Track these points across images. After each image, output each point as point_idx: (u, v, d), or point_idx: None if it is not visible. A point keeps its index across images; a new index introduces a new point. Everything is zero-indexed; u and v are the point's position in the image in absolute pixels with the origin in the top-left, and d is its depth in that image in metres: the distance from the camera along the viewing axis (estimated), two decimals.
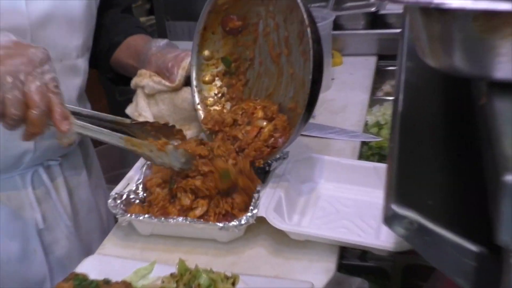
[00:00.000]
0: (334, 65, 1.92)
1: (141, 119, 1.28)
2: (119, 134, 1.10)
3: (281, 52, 1.17)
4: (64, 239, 1.34)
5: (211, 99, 1.30)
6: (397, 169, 0.49)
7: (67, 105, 0.96)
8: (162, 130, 1.22)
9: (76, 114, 1.08)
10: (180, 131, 1.24)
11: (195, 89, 1.29)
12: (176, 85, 1.26)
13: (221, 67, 1.30)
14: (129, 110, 1.32)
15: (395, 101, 0.62)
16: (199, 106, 1.29)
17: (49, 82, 0.92)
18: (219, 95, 1.31)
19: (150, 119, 1.28)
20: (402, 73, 0.66)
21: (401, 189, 0.47)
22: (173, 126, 1.24)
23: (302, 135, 1.50)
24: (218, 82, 1.31)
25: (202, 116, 1.28)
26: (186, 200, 1.12)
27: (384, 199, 0.49)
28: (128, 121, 1.20)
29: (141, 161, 1.29)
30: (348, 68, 1.95)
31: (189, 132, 1.30)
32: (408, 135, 0.55)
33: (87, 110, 1.16)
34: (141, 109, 1.30)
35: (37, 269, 1.29)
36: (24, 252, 1.27)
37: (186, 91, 1.29)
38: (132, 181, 1.23)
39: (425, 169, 0.52)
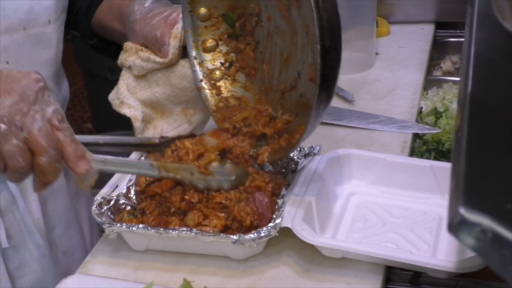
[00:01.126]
0: (379, 36, 1.92)
1: (123, 109, 1.28)
2: (148, 162, 1.13)
3: (289, 4, 1.14)
4: (35, 262, 1.34)
5: (217, 72, 1.30)
6: (466, 164, 0.50)
7: (79, 136, 0.99)
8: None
9: (91, 145, 1.10)
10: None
11: (194, 61, 1.28)
12: (169, 60, 1.25)
13: (224, 27, 1.29)
14: (110, 96, 1.32)
15: (463, 80, 0.62)
16: (203, 84, 1.29)
17: (52, 117, 0.94)
18: (227, 64, 1.30)
19: (137, 108, 1.28)
20: (471, 44, 0.67)
21: (471, 189, 0.48)
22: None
23: (336, 125, 1.51)
24: (223, 48, 1.30)
25: (209, 97, 1.28)
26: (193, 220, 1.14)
27: (449, 202, 0.50)
28: (156, 140, 1.20)
29: (132, 158, 1.30)
30: (397, 39, 1.95)
31: (195, 118, 1.31)
32: (480, 123, 0.56)
33: (104, 137, 1.17)
34: (123, 96, 1.30)
35: None
36: None
37: (184, 65, 1.28)
38: (122, 182, 1.25)
39: (501, 164, 0.52)
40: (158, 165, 1.13)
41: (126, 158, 1.08)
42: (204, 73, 1.29)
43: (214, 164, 1.16)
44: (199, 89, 1.29)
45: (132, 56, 1.27)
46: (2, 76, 0.93)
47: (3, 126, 0.90)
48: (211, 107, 1.29)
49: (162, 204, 1.17)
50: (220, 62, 1.30)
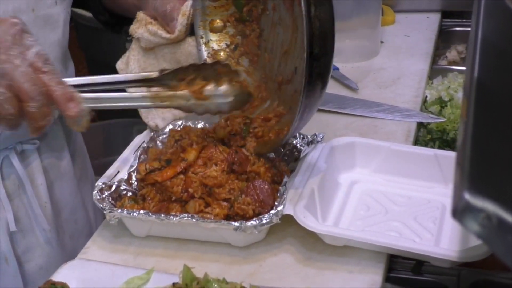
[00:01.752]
0: (384, 24, 1.91)
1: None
2: (141, 94, 1.08)
3: None
4: (41, 246, 1.34)
5: (222, 53, 1.30)
6: (471, 149, 0.50)
7: (75, 78, 0.97)
8: (203, 71, 1.16)
9: (89, 86, 1.07)
10: (227, 67, 1.16)
11: (200, 40, 1.29)
12: (175, 37, 1.26)
13: (232, 10, 1.29)
14: (118, 65, 1.32)
15: (470, 66, 0.62)
16: None
17: (35, 60, 0.92)
18: (232, 46, 1.31)
19: None
20: (478, 30, 0.66)
21: (476, 174, 0.47)
22: (216, 63, 1.17)
23: (340, 113, 1.51)
24: (230, 30, 1.31)
25: None
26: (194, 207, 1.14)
27: (453, 188, 0.49)
28: (155, 74, 1.16)
29: (134, 143, 1.30)
30: (403, 28, 1.94)
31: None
32: (486, 108, 0.55)
33: (97, 77, 1.12)
34: (132, 70, 1.30)
35: (8, 283, 1.30)
36: None
37: (190, 44, 1.28)
38: (124, 168, 1.24)
39: (507, 150, 0.52)
40: (152, 95, 1.10)
41: (118, 93, 1.06)
42: (209, 53, 1.30)
43: (208, 87, 1.12)
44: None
45: (141, 28, 1.27)
46: None
47: (24, 67, 0.88)
48: None
49: (163, 192, 1.17)
50: (226, 44, 1.31)
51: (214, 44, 1.30)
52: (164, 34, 1.25)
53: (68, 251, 1.38)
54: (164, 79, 1.15)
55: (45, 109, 0.93)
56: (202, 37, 1.29)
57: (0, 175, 1.26)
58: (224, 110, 1.14)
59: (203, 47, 1.29)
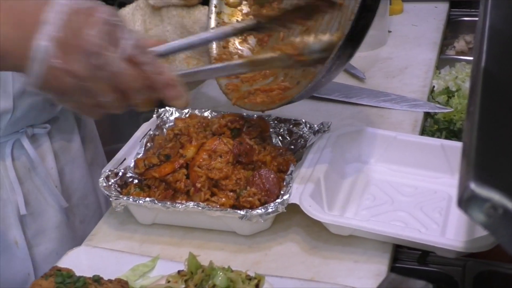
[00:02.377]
0: (392, 14, 1.90)
1: None
2: (236, 62, 1.06)
3: None
4: (52, 230, 1.35)
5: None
6: (477, 139, 0.49)
7: (159, 48, 0.96)
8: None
9: (177, 50, 1.04)
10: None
11: (213, 9, 1.28)
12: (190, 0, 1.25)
13: None
14: (122, 14, 1.30)
15: (477, 55, 0.61)
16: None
17: (133, 53, 0.89)
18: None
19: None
20: (486, 19, 0.66)
21: (482, 164, 0.47)
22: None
23: (347, 102, 1.50)
24: (244, 8, 1.30)
25: (215, 52, 1.27)
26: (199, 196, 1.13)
27: (459, 177, 0.49)
28: (251, 22, 1.11)
29: (141, 131, 1.30)
30: (410, 17, 1.94)
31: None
32: (493, 97, 0.55)
33: (188, 39, 1.06)
34: (137, 30, 1.29)
35: (18, 266, 1.30)
36: (2, 244, 1.28)
37: (201, 11, 1.28)
38: (130, 155, 1.25)
39: None
40: (248, 62, 1.06)
41: (213, 65, 1.05)
42: (218, 23, 1.29)
43: (309, 40, 1.07)
44: None
45: None
46: (73, 11, 0.86)
47: (90, 84, 0.87)
48: (213, 55, 1.28)
49: (167, 184, 1.17)
50: (237, 20, 1.30)
51: (225, 17, 1.30)
52: None
53: (78, 236, 1.38)
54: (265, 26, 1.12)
55: (150, 98, 0.94)
56: (215, 6, 1.28)
57: (11, 158, 1.27)
58: (320, 61, 1.07)
59: (213, 17, 1.28)
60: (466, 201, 0.46)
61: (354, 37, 1.01)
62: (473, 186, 0.46)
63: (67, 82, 0.86)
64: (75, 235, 1.39)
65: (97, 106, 0.91)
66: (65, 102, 0.92)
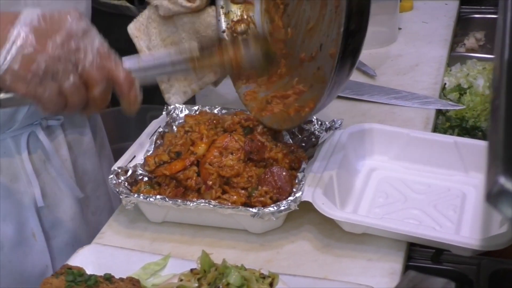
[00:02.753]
0: (402, 11, 1.89)
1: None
2: (183, 57, 1.06)
3: None
4: (68, 221, 1.35)
5: (242, 25, 1.29)
6: (504, 132, 0.48)
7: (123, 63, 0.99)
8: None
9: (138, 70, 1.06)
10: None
11: (220, 10, 1.28)
12: (196, 6, 1.24)
13: None
14: (131, 29, 1.31)
15: (499, 48, 0.60)
16: (224, 35, 1.28)
17: (100, 48, 0.96)
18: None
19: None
20: (507, 10, 0.65)
21: (510, 157, 0.46)
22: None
23: (358, 99, 1.50)
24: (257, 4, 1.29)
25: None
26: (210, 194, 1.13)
27: (486, 171, 0.48)
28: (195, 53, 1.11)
29: (150, 128, 1.29)
30: (421, 14, 1.93)
31: (212, 75, 1.30)
32: None
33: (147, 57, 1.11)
34: (154, 44, 1.29)
35: (36, 259, 1.30)
36: (20, 237, 1.28)
37: (210, 14, 1.27)
38: (139, 153, 1.24)
39: None
40: (191, 59, 1.07)
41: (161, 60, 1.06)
42: (228, 24, 1.29)
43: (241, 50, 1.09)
44: (220, 40, 1.28)
45: None
46: (47, 18, 0.95)
47: (60, 65, 0.92)
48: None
49: (178, 182, 1.16)
50: (245, 18, 1.30)
51: (234, 16, 1.29)
52: (184, 2, 1.24)
53: (91, 228, 1.39)
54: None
55: (108, 94, 0.98)
56: (222, 7, 1.28)
57: (27, 150, 1.27)
58: (256, 65, 1.10)
59: (223, 18, 1.28)
60: (495, 195, 0.45)
61: (347, 61, 1.03)
62: (502, 180, 0.45)
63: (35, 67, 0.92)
64: (89, 227, 1.39)
65: (59, 94, 0.94)
66: (31, 93, 0.95)
